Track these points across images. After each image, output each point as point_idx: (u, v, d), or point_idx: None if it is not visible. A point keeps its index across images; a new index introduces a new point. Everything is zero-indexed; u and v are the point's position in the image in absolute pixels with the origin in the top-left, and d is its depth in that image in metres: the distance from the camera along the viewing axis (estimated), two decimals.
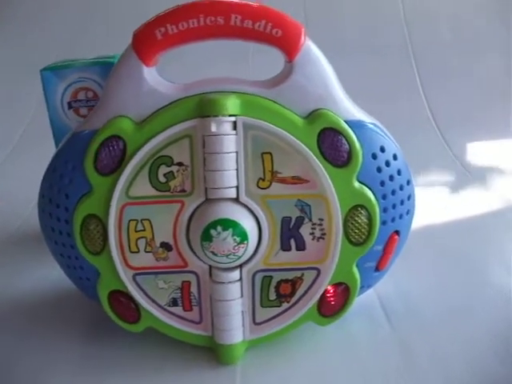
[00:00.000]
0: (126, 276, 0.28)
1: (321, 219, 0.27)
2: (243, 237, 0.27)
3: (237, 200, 0.27)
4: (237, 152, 0.26)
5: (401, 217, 0.30)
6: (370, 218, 0.28)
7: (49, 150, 0.37)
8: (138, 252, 0.28)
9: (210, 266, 0.28)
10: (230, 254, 0.27)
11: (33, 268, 0.40)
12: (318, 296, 0.28)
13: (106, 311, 0.29)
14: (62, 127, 0.36)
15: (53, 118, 0.36)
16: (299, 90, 0.27)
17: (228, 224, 0.26)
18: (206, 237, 0.26)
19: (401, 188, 0.29)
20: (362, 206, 0.28)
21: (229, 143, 0.26)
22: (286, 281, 0.28)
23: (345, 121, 0.27)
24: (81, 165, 0.28)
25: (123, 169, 0.27)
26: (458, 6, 0.76)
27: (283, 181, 0.27)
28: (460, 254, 0.41)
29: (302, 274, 0.28)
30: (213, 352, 0.30)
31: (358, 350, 0.30)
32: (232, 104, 0.26)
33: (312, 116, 0.27)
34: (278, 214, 0.27)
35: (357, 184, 0.28)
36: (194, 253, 0.28)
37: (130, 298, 0.29)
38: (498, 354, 0.30)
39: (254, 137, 0.26)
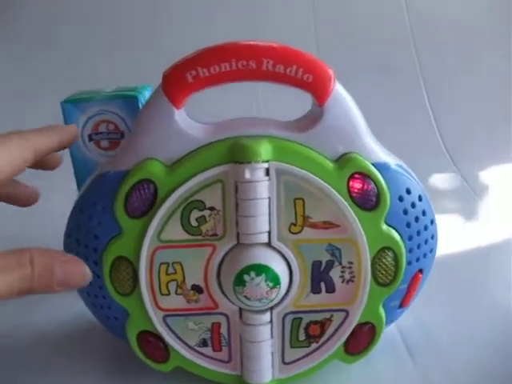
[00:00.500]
0: (156, 317, 0.28)
1: (350, 262, 0.28)
2: (276, 281, 0.27)
3: (269, 244, 0.27)
4: (269, 198, 0.27)
5: (425, 256, 0.30)
6: (397, 260, 0.28)
7: (68, 182, 0.37)
8: (169, 294, 0.28)
9: (240, 308, 0.29)
10: (262, 299, 0.27)
11: (54, 298, 0.40)
12: (346, 336, 0.29)
13: (135, 351, 0.30)
14: (82, 159, 0.36)
15: (73, 150, 0.35)
16: (330, 134, 0.28)
17: (261, 269, 0.27)
18: (239, 282, 0.27)
19: (425, 228, 0.30)
20: (389, 248, 0.28)
21: (262, 189, 0.26)
22: (316, 322, 0.29)
23: (372, 164, 0.28)
24: (110, 207, 0.28)
25: (155, 212, 0.27)
26: (466, 28, 0.76)
27: (314, 226, 0.27)
28: (473, 282, 0.42)
29: (331, 316, 0.29)
30: None
31: None
32: (265, 150, 0.26)
33: (342, 160, 0.28)
34: (309, 258, 0.28)
35: (385, 227, 0.28)
36: (225, 295, 0.28)
37: (160, 338, 0.29)
38: None
39: (287, 182, 0.27)
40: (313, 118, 0.28)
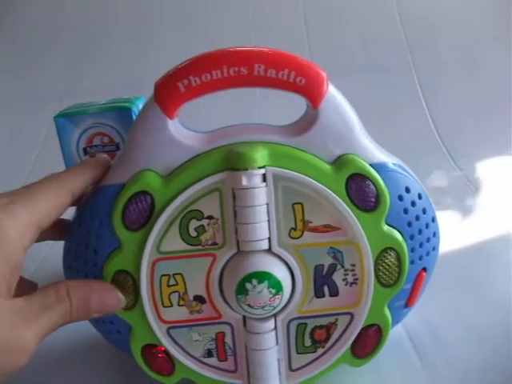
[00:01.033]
0: (159, 330, 0.28)
1: (353, 265, 0.28)
2: (278, 288, 0.27)
3: (269, 251, 0.27)
4: (268, 204, 0.26)
5: (427, 254, 0.30)
6: (400, 260, 0.28)
7: None
8: (172, 306, 0.28)
9: (244, 316, 0.28)
10: (265, 306, 0.27)
11: None
12: (352, 339, 0.29)
13: (140, 365, 0.29)
14: None
15: (69, 163, 0.35)
16: (325, 136, 0.27)
17: (263, 276, 0.26)
18: (242, 290, 0.26)
19: (427, 226, 0.29)
20: (391, 249, 0.28)
21: (260, 196, 0.26)
22: (321, 327, 0.29)
23: (370, 164, 0.28)
24: (108, 220, 0.27)
25: (153, 224, 0.27)
26: (459, 23, 0.76)
27: (315, 229, 0.27)
28: (475, 276, 0.41)
29: (336, 320, 0.28)
30: None
31: None
32: (261, 156, 0.26)
33: (339, 162, 0.27)
34: (310, 263, 0.27)
35: (385, 227, 0.28)
36: (228, 304, 0.28)
37: (164, 351, 0.29)
38: None
39: (284, 187, 0.26)
40: (308, 121, 0.28)
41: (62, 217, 0.28)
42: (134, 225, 0.27)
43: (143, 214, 0.27)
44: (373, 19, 0.75)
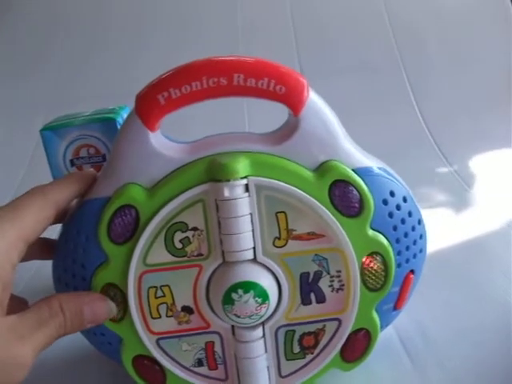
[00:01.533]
0: (149, 341, 0.28)
1: (338, 271, 0.28)
2: (264, 297, 0.27)
3: (254, 260, 0.27)
4: (251, 213, 0.27)
5: (414, 256, 0.30)
6: (386, 264, 0.28)
7: None
8: (160, 317, 0.28)
9: (233, 325, 0.28)
10: (252, 315, 0.27)
11: None
12: (340, 345, 0.29)
13: (131, 375, 0.30)
14: None
15: (56, 176, 0.35)
16: (307, 143, 0.27)
17: (249, 286, 0.26)
18: (228, 300, 0.27)
19: (413, 229, 0.29)
20: (377, 253, 0.28)
21: (243, 206, 0.26)
22: (309, 333, 0.29)
23: (353, 169, 0.28)
24: (94, 235, 0.28)
25: (138, 237, 0.27)
26: (446, 19, 0.76)
27: (299, 238, 0.27)
28: (465, 276, 0.41)
29: (324, 326, 0.29)
30: None
31: None
32: (242, 166, 0.26)
33: (321, 169, 0.27)
34: (296, 271, 0.28)
35: (370, 232, 0.28)
36: (216, 314, 0.28)
37: (155, 361, 0.29)
38: None
39: (267, 197, 0.27)
40: (289, 129, 0.28)
41: (49, 236, 0.28)
42: (119, 238, 0.27)
43: (128, 227, 0.27)
44: (360, 18, 0.75)
